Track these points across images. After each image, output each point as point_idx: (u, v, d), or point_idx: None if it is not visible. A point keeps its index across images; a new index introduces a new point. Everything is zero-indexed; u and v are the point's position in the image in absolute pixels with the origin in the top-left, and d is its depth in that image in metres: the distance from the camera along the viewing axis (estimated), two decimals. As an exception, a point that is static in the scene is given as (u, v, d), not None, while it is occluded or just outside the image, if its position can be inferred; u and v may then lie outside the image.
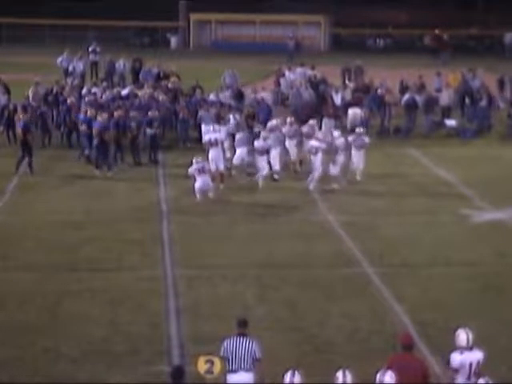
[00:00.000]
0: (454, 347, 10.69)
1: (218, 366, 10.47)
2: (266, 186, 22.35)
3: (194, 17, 57.66)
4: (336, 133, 23.29)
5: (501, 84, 34.40)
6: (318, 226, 19.35)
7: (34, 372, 12.32)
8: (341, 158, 22.13)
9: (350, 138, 22.81)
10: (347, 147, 22.44)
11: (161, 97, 28.28)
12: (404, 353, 10.63)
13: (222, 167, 21.85)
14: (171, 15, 57.84)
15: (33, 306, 14.65)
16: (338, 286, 15.78)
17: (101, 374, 12.30)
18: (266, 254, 17.42)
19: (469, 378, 10.68)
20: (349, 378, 9.97)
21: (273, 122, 24.27)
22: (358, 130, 23.55)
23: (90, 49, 39.74)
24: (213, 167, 21.37)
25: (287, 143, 23.56)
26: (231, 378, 10.68)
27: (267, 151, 22.35)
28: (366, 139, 23.12)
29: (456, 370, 10.64)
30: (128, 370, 12.43)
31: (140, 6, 60.38)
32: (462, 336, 10.72)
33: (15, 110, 26.92)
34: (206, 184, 20.60)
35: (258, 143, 22.40)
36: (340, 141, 22.39)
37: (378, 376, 10.06)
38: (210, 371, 10.43)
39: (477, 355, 10.71)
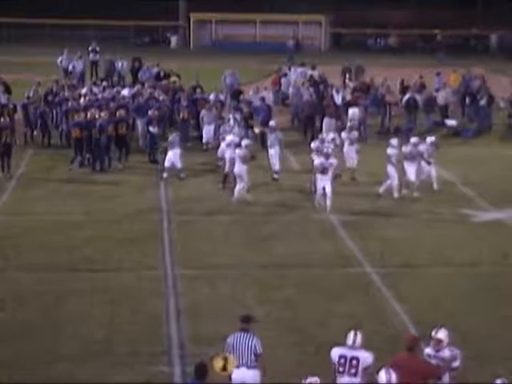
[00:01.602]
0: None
1: (232, 364, 10.57)
2: (266, 186, 22.35)
3: (194, 16, 57.69)
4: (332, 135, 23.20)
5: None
6: (318, 225, 19.34)
7: (34, 372, 12.31)
8: (426, 167, 21.64)
9: (422, 148, 21.82)
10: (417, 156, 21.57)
11: (161, 96, 28.28)
12: (405, 353, 10.66)
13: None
14: (171, 15, 57.86)
15: (33, 306, 14.64)
16: (339, 286, 15.77)
17: (101, 374, 12.28)
18: (266, 254, 17.41)
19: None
20: (393, 378, 10.05)
21: (273, 123, 24.21)
22: (429, 139, 22.25)
23: (90, 48, 39.72)
24: (230, 168, 21.50)
25: (346, 149, 22.94)
26: (234, 373, 10.75)
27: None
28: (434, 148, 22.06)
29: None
30: (128, 369, 12.42)
31: (140, 6, 60.39)
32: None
33: (15, 109, 26.95)
34: (174, 158, 22.70)
35: (239, 151, 21.02)
36: (407, 149, 21.57)
37: (384, 376, 10.05)
38: (224, 368, 10.49)
39: (446, 353, 10.82)
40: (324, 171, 20.06)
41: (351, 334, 10.69)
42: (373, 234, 18.65)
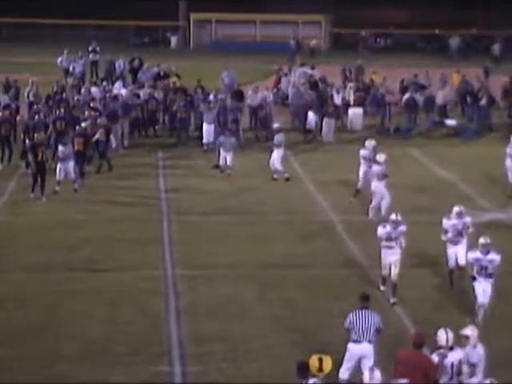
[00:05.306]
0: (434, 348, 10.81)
1: (328, 364, 10.50)
2: (266, 186, 22.36)
3: (194, 16, 57.65)
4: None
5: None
6: (318, 225, 19.34)
7: (34, 372, 12.32)
8: None
9: None
10: None
11: (160, 96, 28.33)
12: (411, 349, 10.71)
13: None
14: (171, 15, 57.80)
15: (33, 306, 14.65)
16: (338, 285, 15.77)
17: (101, 374, 12.29)
18: (266, 253, 17.42)
19: (451, 378, 10.71)
20: (375, 376, 10.12)
21: (277, 124, 24.25)
22: None
23: (90, 48, 39.69)
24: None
25: (508, 162, 21.72)
26: (354, 347, 11.58)
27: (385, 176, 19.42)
28: None
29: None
30: (128, 369, 12.43)
31: (140, 6, 60.34)
32: (442, 336, 10.75)
33: (17, 110, 26.93)
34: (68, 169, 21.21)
35: (375, 168, 19.49)
36: None
37: (367, 375, 10.16)
38: (321, 369, 10.45)
39: (458, 354, 10.76)
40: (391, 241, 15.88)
41: (482, 239, 14.38)
42: (373, 234, 18.60)
